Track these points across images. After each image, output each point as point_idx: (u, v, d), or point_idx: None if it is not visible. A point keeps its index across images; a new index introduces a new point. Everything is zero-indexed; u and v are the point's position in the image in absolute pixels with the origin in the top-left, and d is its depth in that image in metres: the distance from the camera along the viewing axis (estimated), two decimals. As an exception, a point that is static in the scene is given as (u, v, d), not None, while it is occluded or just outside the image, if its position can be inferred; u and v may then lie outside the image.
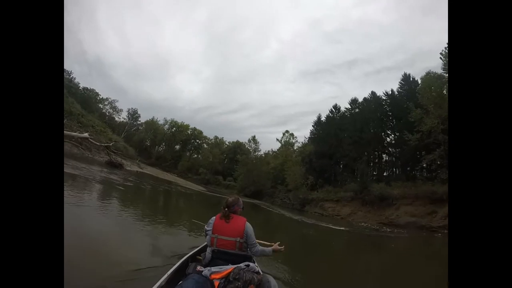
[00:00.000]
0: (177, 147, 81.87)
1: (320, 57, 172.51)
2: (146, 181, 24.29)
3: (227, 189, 57.06)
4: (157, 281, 3.03)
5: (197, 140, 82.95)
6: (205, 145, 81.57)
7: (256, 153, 62.07)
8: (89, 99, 66.11)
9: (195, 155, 79.97)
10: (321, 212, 35.75)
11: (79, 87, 64.73)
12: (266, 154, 63.55)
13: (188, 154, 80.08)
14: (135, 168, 34.76)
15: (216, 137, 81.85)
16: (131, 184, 18.43)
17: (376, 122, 43.97)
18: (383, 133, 44.04)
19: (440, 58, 30.77)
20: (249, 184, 52.42)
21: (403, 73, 44.98)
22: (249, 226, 3.43)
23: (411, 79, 43.49)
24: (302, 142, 56.43)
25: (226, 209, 3.47)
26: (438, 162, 29.51)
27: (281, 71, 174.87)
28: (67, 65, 79.01)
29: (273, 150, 66.04)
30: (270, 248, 3.69)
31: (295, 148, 59.64)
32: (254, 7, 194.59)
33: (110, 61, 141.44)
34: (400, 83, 44.42)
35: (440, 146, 28.48)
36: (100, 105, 74.61)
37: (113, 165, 25.54)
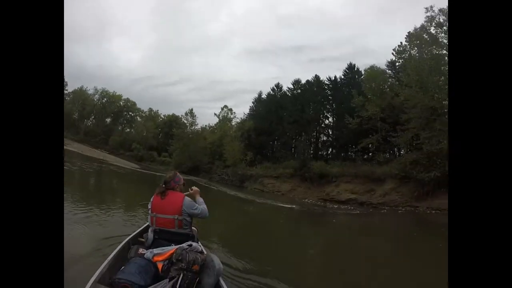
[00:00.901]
0: (108, 120, 74.20)
1: (269, 38, 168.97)
2: (68, 161, 20.32)
3: (163, 166, 53.34)
4: (97, 269, 2.80)
5: (130, 113, 75.69)
6: (138, 118, 74.94)
7: (193, 127, 57.41)
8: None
9: (128, 130, 73.23)
10: (261, 188, 34.20)
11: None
12: (203, 128, 59.88)
13: (120, 128, 73.20)
14: None
15: (150, 110, 74.91)
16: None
17: (317, 104, 44.39)
18: (322, 115, 44.79)
19: (392, 53, 34.05)
20: (185, 160, 49.00)
21: (345, 64, 46.33)
22: (187, 200, 3.34)
23: (355, 69, 44.45)
24: (241, 118, 53.97)
25: (163, 185, 3.41)
26: (374, 146, 32.06)
27: (226, 46, 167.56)
28: None
29: (211, 125, 63.12)
30: (199, 199, 3.76)
31: (233, 123, 57.46)
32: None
33: None
34: (345, 71, 45.10)
35: (377, 132, 30.38)
36: None
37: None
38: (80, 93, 72.30)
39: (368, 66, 36.19)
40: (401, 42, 32.29)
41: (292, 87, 50.30)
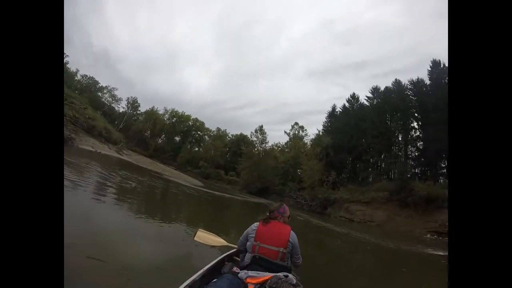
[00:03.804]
0: (177, 138, 73.92)
1: (328, 57, 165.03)
2: (115, 172, 15.24)
3: (229, 185, 49.30)
4: (191, 276, 2.81)
5: (199, 132, 74.71)
6: (207, 138, 73.58)
7: (264, 144, 51.86)
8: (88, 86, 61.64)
9: (196, 148, 71.83)
10: (348, 216, 26.97)
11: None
12: (272, 148, 54.05)
13: (188, 146, 71.45)
14: (107, 151, 25.92)
15: (218, 129, 73.32)
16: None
17: (402, 113, 36.43)
18: (410, 125, 36.70)
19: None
20: (254, 179, 43.49)
21: (412, 75, 39.94)
22: (294, 236, 3.04)
23: (441, 66, 35.87)
24: (316, 134, 46.64)
25: (267, 213, 3.23)
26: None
27: (290, 69, 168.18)
28: (72, 56, 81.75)
29: (281, 143, 57.57)
30: None
31: (305, 141, 50.74)
32: (268, 5, 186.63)
33: (117, 53, 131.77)
34: (430, 70, 37.11)
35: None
36: (99, 93, 68.74)
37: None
38: (151, 113, 73.01)
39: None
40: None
41: (370, 95, 43.18)
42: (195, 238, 4.03)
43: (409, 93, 38.02)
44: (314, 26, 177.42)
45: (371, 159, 37.52)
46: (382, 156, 36.58)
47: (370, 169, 36.68)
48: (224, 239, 4.06)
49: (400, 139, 36.42)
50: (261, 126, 52.30)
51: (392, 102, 37.87)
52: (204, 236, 4.06)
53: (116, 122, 63.91)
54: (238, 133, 68.95)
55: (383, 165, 36.86)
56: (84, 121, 26.24)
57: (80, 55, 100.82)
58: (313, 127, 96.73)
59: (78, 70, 64.28)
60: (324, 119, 48.36)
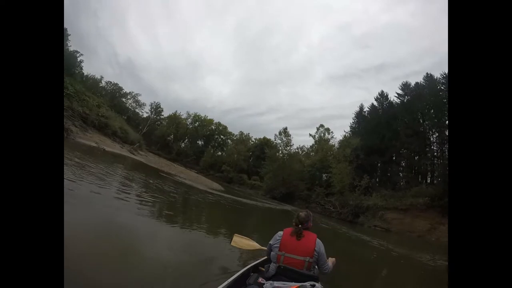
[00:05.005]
0: (200, 142, 72.62)
1: (348, 61, 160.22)
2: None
3: (252, 189, 47.14)
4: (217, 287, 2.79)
5: (221, 136, 73.29)
6: (229, 142, 71.68)
7: (288, 148, 48.69)
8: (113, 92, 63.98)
9: (219, 152, 70.20)
10: (385, 226, 23.96)
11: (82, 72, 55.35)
12: (297, 152, 51.32)
13: (211, 150, 69.72)
14: (117, 150, 24.45)
15: (241, 133, 70.58)
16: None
17: (437, 109, 32.78)
18: (446, 122, 32.32)
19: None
20: (278, 184, 40.89)
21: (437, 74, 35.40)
22: (320, 244, 2.93)
23: None
24: (343, 135, 43.55)
25: (299, 225, 2.96)
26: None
27: (310, 75, 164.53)
28: (98, 66, 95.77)
29: (306, 147, 55.08)
30: (331, 264, 3.30)
31: (331, 143, 47.60)
32: (284, 14, 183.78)
33: (141, 63, 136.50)
34: None
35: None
36: (123, 99, 68.99)
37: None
38: (174, 117, 72.44)
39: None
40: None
41: (400, 92, 39.68)
42: (232, 244, 4.22)
43: (443, 88, 34.08)
44: (331, 31, 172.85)
45: (403, 162, 34.71)
46: (416, 158, 33.46)
47: (404, 172, 33.64)
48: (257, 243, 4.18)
49: (435, 137, 33.11)
50: (285, 128, 49.56)
51: (424, 98, 34.74)
52: (239, 241, 4.21)
53: (140, 127, 63.85)
54: (261, 137, 66.70)
55: (416, 168, 33.72)
56: (96, 119, 25.78)
57: (106, 64, 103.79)
58: (336, 132, 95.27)
59: (102, 77, 65.29)
60: (349, 122, 45.93)
